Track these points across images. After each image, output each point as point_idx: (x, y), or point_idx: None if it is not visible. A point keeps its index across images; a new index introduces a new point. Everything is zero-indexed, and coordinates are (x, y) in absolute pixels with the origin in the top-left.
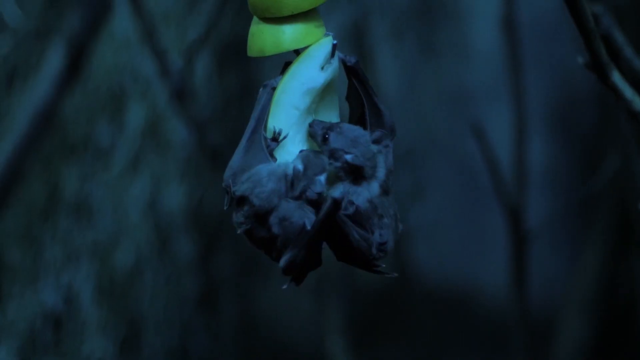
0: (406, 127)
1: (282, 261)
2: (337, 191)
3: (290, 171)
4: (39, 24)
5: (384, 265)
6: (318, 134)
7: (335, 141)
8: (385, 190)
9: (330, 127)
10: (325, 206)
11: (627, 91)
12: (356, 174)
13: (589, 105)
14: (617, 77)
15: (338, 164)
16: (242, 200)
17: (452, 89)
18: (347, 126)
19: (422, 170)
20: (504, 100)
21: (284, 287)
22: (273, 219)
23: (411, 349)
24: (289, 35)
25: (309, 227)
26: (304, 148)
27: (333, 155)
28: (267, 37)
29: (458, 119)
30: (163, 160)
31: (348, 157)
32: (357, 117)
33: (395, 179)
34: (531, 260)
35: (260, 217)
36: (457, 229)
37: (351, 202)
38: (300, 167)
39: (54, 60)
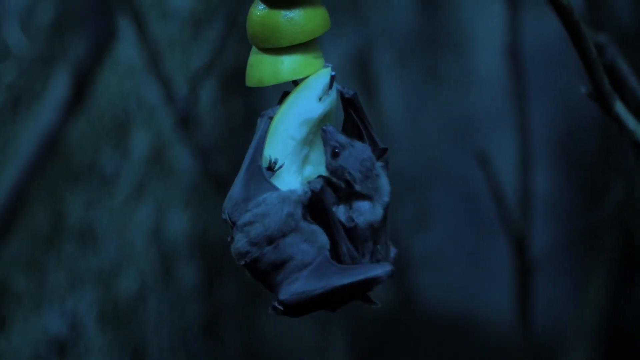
0: (411, 155)
1: (288, 293)
2: (338, 213)
3: (303, 196)
4: (43, 51)
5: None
6: (330, 144)
7: (345, 160)
8: (385, 217)
9: (343, 146)
10: (381, 270)
11: (631, 121)
12: (352, 192)
13: (593, 134)
14: (620, 108)
15: (338, 182)
16: (249, 226)
17: (457, 117)
18: (359, 146)
19: (426, 198)
20: (509, 129)
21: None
22: (289, 241)
23: None
24: (287, 65)
25: (339, 283)
26: (300, 178)
27: (336, 172)
28: (265, 68)
29: (463, 147)
30: (167, 187)
31: (349, 177)
32: None
33: (400, 207)
34: (536, 289)
35: (273, 240)
36: (461, 257)
37: (352, 219)
38: (309, 192)
39: (58, 87)
